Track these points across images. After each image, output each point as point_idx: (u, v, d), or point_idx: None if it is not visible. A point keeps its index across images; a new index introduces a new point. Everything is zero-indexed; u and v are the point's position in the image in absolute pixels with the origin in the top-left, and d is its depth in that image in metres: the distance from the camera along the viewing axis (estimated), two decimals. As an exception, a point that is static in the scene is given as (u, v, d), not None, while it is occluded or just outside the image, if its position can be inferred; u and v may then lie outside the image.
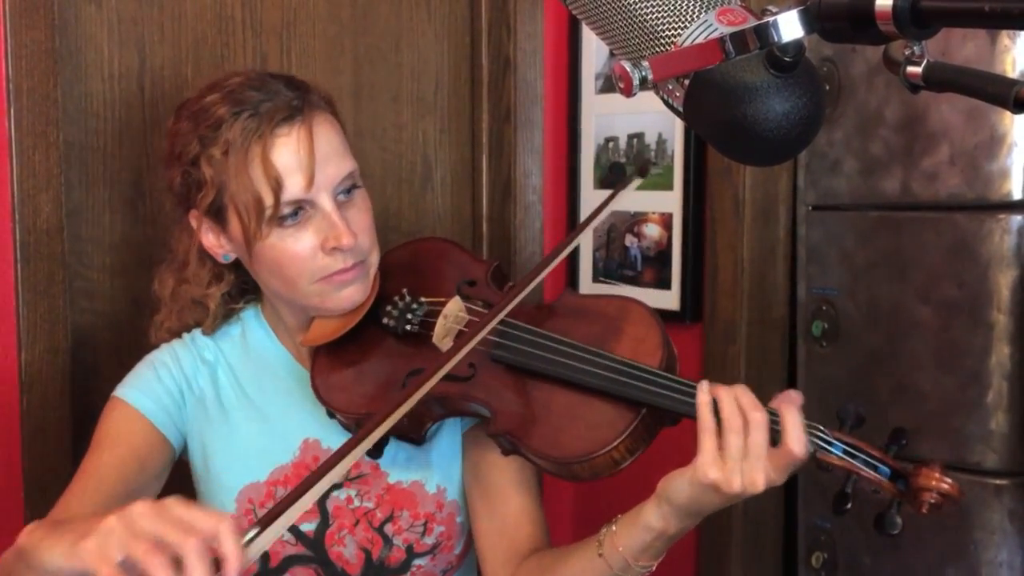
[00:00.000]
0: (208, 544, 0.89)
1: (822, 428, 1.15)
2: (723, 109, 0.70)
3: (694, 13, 0.71)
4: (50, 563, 0.99)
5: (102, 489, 1.30)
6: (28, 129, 1.54)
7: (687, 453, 1.13)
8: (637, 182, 1.32)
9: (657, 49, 0.73)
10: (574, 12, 0.79)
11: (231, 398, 1.40)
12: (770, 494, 1.19)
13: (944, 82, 0.66)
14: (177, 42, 1.70)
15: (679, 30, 0.71)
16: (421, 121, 1.95)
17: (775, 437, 1.11)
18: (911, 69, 0.67)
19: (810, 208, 1.63)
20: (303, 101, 1.29)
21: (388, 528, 1.36)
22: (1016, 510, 1.40)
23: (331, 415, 1.33)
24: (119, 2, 1.65)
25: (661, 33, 0.72)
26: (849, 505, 1.14)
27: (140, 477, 1.33)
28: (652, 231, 1.85)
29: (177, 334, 1.44)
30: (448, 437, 1.39)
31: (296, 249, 1.28)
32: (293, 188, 1.25)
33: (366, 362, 1.35)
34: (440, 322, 1.32)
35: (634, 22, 0.73)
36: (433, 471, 1.37)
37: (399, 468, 1.37)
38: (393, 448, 1.33)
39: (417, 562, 1.36)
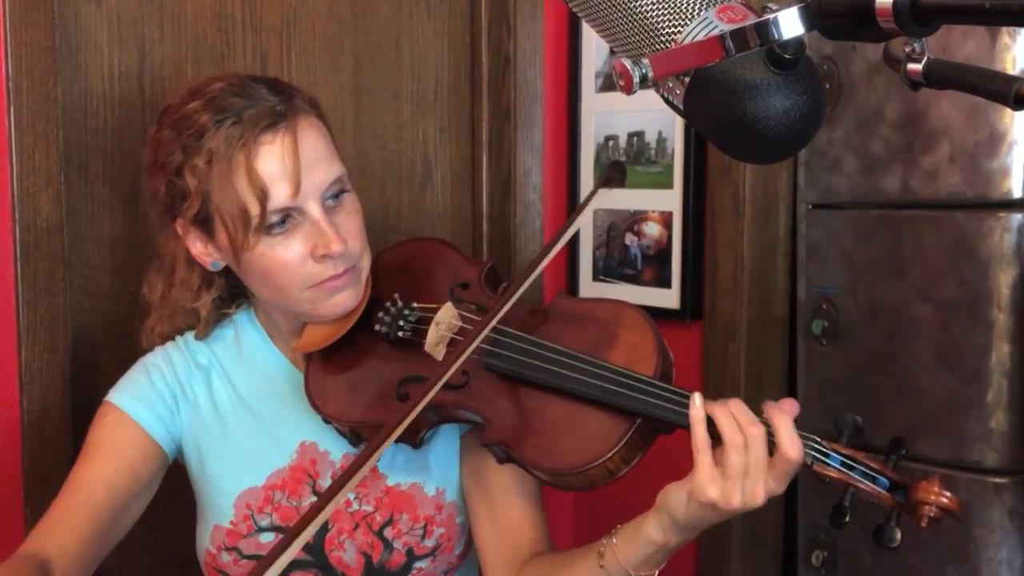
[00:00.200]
0: None
1: (819, 440, 1.13)
2: (723, 106, 0.70)
3: (694, 10, 0.71)
4: None
5: (92, 501, 1.29)
6: (28, 127, 1.54)
7: (684, 457, 1.12)
8: (604, 192, 1.30)
9: (657, 46, 0.73)
10: (574, 10, 0.79)
11: (226, 402, 1.39)
12: (770, 492, 1.18)
13: (945, 79, 0.66)
14: (177, 41, 1.70)
15: (679, 27, 0.71)
16: (421, 120, 1.95)
17: (770, 447, 1.10)
18: (912, 66, 0.67)
19: (810, 206, 1.63)
20: (287, 106, 1.26)
21: (388, 532, 1.34)
22: (1016, 508, 1.40)
23: (326, 421, 1.32)
24: (119, 1, 1.65)
25: (661, 30, 0.72)
26: (847, 519, 1.12)
27: (131, 486, 1.32)
28: (652, 230, 1.85)
29: (169, 338, 1.42)
30: (446, 439, 1.38)
31: (285, 257, 1.25)
32: (279, 196, 1.23)
33: (359, 368, 1.33)
34: (432, 329, 1.29)
35: (634, 19, 0.73)
36: (431, 473, 1.36)
37: (397, 470, 1.36)
38: (391, 450, 1.33)
39: (418, 565, 1.35)
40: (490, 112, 1.97)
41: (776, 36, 0.63)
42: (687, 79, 0.73)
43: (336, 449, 1.36)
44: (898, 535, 1.12)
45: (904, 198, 1.47)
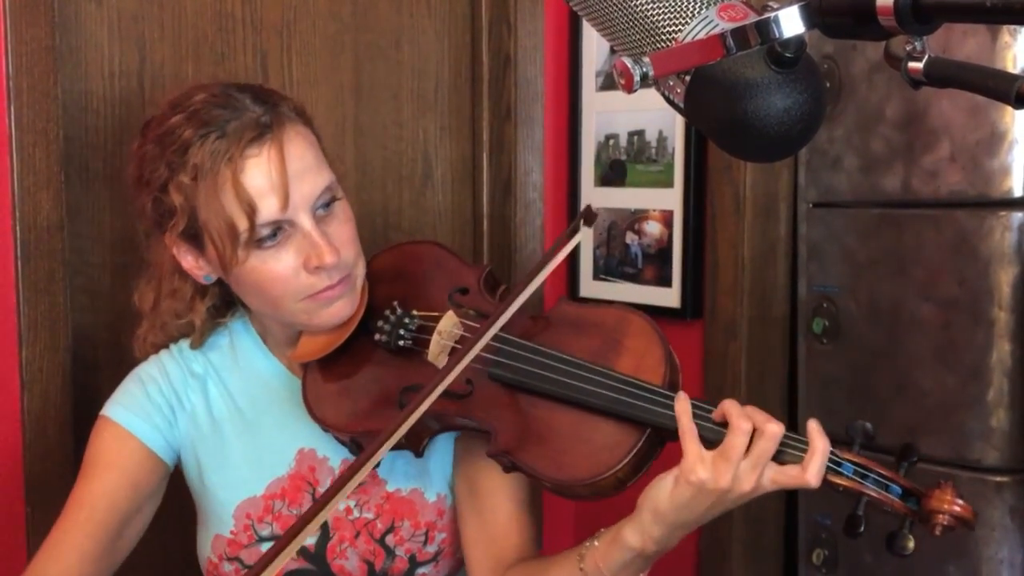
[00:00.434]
0: None
1: (833, 449, 1.12)
2: (724, 105, 0.70)
3: (695, 9, 0.71)
4: None
5: (94, 518, 1.28)
6: (28, 127, 1.54)
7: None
8: (584, 232, 1.26)
9: (658, 45, 0.73)
10: (575, 8, 0.79)
11: (223, 411, 1.37)
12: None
13: (945, 78, 0.66)
14: (177, 40, 1.70)
15: (680, 26, 0.71)
16: (421, 119, 1.95)
17: (784, 457, 1.10)
18: (912, 65, 0.67)
19: (811, 205, 1.63)
20: (272, 116, 1.23)
21: (389, 539, 1.33)
22: (1017, 507, 1.40)
23: (325, 430, 1.30)
24: (119, 0, 1.65)
25: (662, 29, 0.72)
26: (862, 528, 1.11)
27: (133, 501, 1.31)
28: (653, 228, 1.85)
29: (163, 346, 1.40)
30: (444, 444, 1.36)
31: (278, 270, 1.23)
32: (268, 210, 1.20)
33: (358, 377, 1.32)
34: (435, 339, 1.28)
35: (635, 18, 0.73)
36: (432, 479, 1.35)
37: (397, 476, 1.35)
38: (390, 456, 1.30)
39: (420, 571, 1.35)
40: (491, 111, 1.97)
41: (777, 34, 0.63)
42: (688, 78, 0.72)
43: (335, 455, 1.35)
44: (911, 544, 1.11)
45: (905, 197, 1.47)
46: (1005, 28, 1.34)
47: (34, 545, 1.31)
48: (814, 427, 1.11)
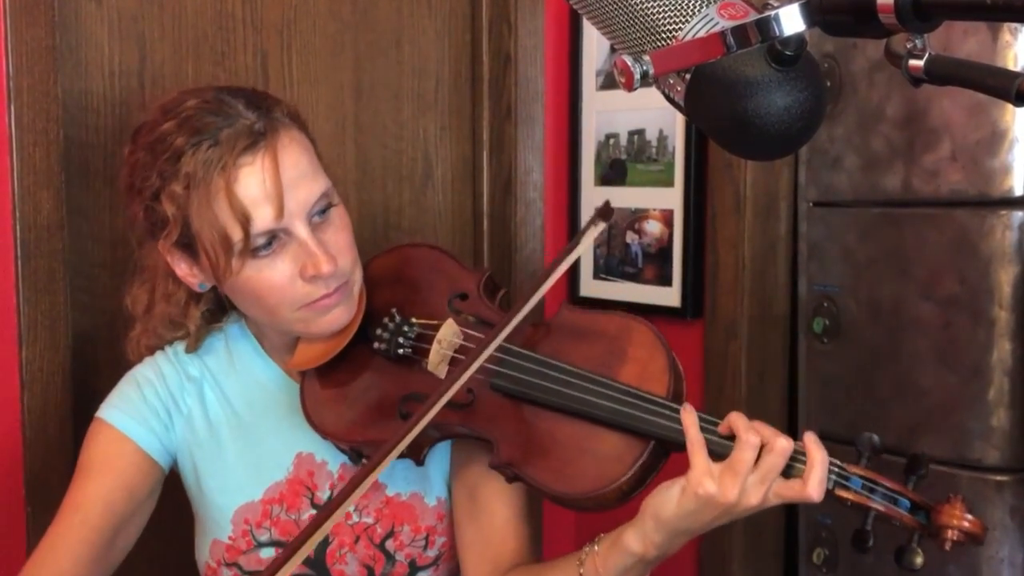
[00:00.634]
0: None
1: (839, 463, 1.12)
2: (724, 103, 0.70)
3: (695, 7, 0.71)
4: None
5: (89, 522, 1.26)
6: (29, 126, 1.54)
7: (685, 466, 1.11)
8: (601, 226, 1.23)
9: (658, 43, 0.72)
10: (575, 7, 0.79)
11: (219, 415, 1.35)
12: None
13: (946, 76, 0.66)
14: (178, 39, 1.70)
15: (680, 24, 0.71)
16: (422, 118, 1.95)
17: (790, 471, 1.09)
18: (913, 63, 0.67)
19: (811, 204, 1.63)
20: (265, 122, 1.20)
21: (389, 544, 1.32)
22: (1017, 506, 1.40)
23: (325, 438, 1.29)
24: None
25: (662, 27, 0.72)
26: (871, 543, 1.10)
27: (129, 505, 1.29)
28: (653, 228, 1.85)
29: (157, 348, 1.38)
30: (443, 447, 1.35)
31: (274, 279, 1.21)
32: (262, 220, 1.18)
33: (357, 385, 1.30)
34: (435, 348, 1.26)
35: (635, 16, 0.73)
36: (432, 483, 1.34)
37: (397, 480, 1.33)
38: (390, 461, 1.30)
39: (420, 575, 1.34)
40: (491, 110, 1.97)
41: (777, 32, 0.63)
42: (688, 76, 0.72)
43: (333, 460, 1.33)
44: (919, 559, 1.10)
45: (905, 196, 1.47)
46: (1006, 26, 1.34)
47: (34, 545, 1.30)
48: (811, 439, 1.10)
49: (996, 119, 1.36)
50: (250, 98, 1.23)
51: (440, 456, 1.35)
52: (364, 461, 1.27)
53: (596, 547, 1.17)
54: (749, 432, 1.08)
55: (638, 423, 1.15)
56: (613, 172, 1.92)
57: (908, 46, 0.66)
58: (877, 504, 1.11)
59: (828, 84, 1.54)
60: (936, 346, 1.44)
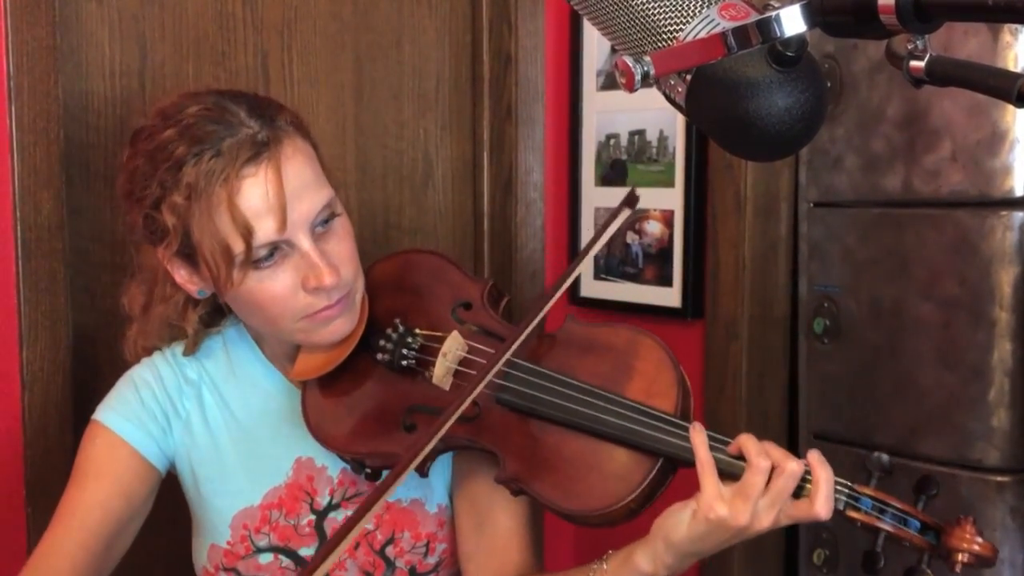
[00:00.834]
0: None
1: (849, 484, 1.11)
2: (725, 104, 0.70)
3: (696, 8, 0.71)
4: None
5: (86, 528, 1.25)
6: (29, 126, 1.54)
7: (694, 484, 1.11)
8: (626, 213, 1.22)
9: (659, 44, 0.72)
10: (576, 7, 0.79)
11: (218, 419, 1.34)
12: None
13: (947, 76, 0.66)
14: (178, 39, 1.70)
15: (681, 25, 0.71)
16: (422, 118, 1.95)
17: (799, 492, 1.09)
18: (914, 64, 0.67)
19: (812, 205, 1.63)
20: (268, 132, 1.18)
21: (390, 551, 1.31)
22: (1018, 507, 1.40)
23: (327, 450, 1.28)
24: (120, -1, 1.66)
25: (663, 28, 0.72)
26: (882, 564, 1.10)
27: (126, 510, 1.28)
28: (653, 228, 1.85)
29: (155, 349, 1.37)
30: (444, 456, 1.33)
31: (275, 290, 1.19)
32: (264, 232, 1.16)
33: (359, 395, 1.29)
34: (439, 361, 1.24)
35: (636, 17, 0.73)
36: (433, 490, 1.33)
37: (398, 486, 1.33)
38: None
39: None
40: (491, 110, 1.97)
41: (778, 33, 0.63)
42: (689, 77, 0.72)
43: (333, 465, 1.32)
44: None
45: (906, 196, 1.47)
46: (1006, 27, 1.34)
47: (34, 544, 1.30)
48: (815, 457, 1.10)
49: (997, 120, 1.36)
50: (252, 105, 1.21)
51: (442, 463, 1.33)
52: (367, 471, 1.26)
53: (605, 564, 1.16)
54: (760, 456, 1.08)
55: (646, 440, 1.14)
56: (613, 172, 1.92)
57: (909, 47, 0.67)
58: (887, 525, 1.10)
59: (829, 85, 1.54)
60: (936, 347, 1.44)
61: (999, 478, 1.40)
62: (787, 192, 1.68)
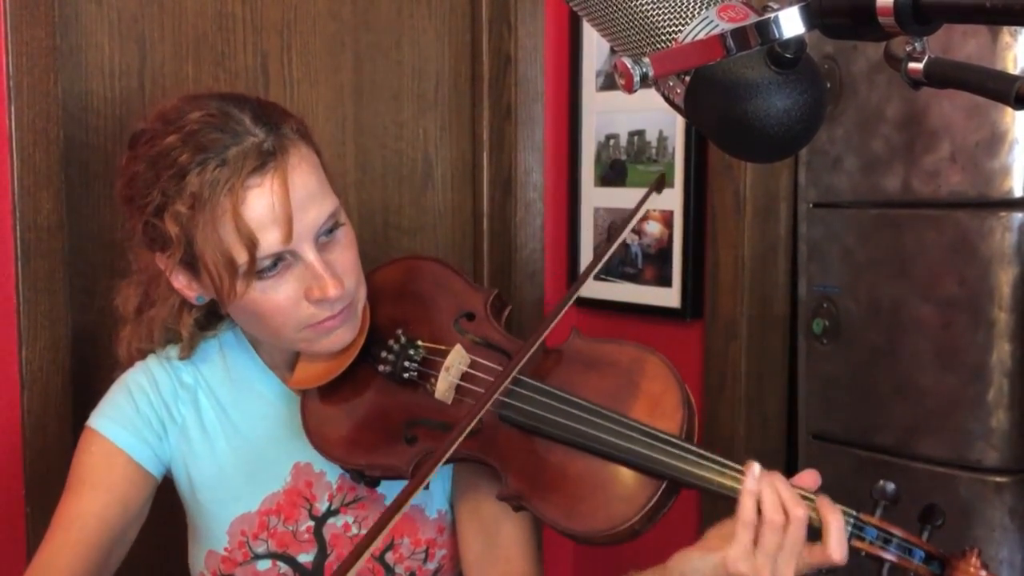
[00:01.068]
0: None
1: (854, 513, 1.11)
2: (724, 105, 0.70)
3: (695, 9, 0.71)
4: None
5: (84, 539, 1.23)
6: (29, 126, 1.54)
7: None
8: (652, 197, 1.23)
9: (658, 45, 0.72)
10: (575, 8, 0.79)
11: (215, 424, 1.32)
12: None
13: (946, 78, 0.66)
14: (178, 39, 1.70)
15: (680, 26, 0.71)
16: (422, 118, 1.95)
17: (811, 532, 1.08)
18: (913, 65, 0.67)
19: (811, 205, 1.63)
20: (274, 140, 1.15)
21: (389, 557, 1.30)
22: (1017, 507, 1.40)
23: (327, 460, 1.27)
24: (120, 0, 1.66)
25: (662, 29, 0.72)
26: None
27: (124, 519, 1.27)
28: (653, 228, 1.85)
29: (150, 351, 1.34)
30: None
31: (278, 300, 1.17)
32: (269, 243, 1.13)
33: (360, 405, 1.27)
34: (442, 375, 1.22)
35: (635, 18, 0.73)
36: (432, 496, 1.32)
37: (396, 491, 1.32)
38: None
39: None
40: (491, 111, 1.97)
41: (777, 35, 0.63)
42: (688, 78, 0.72)
43: (332, 471, 1.31)
44: None
45: (905, 197, 1.47)
46: (1005, 29, 1.34)
47: (34, 545, 1.31)
48: (825, 504, 1.09)
49: (996, 121, 1.36)
50: (257, 111, 1.18)
51: (442, 471, 1.31)
52: (366, 479, 1.25)
53: None
54: (776, 513, 1.07)
55: (651, 463, 1.13)
56: (613, 173, 1.92)
57: (908, 49, 0.67)
58: (891, 555, 1.10)
59: (828, 86, 1.54)
60: (936, 347, 1.44)
61: (998, 479, 1.40)
62: (786, 192, 1.69)
